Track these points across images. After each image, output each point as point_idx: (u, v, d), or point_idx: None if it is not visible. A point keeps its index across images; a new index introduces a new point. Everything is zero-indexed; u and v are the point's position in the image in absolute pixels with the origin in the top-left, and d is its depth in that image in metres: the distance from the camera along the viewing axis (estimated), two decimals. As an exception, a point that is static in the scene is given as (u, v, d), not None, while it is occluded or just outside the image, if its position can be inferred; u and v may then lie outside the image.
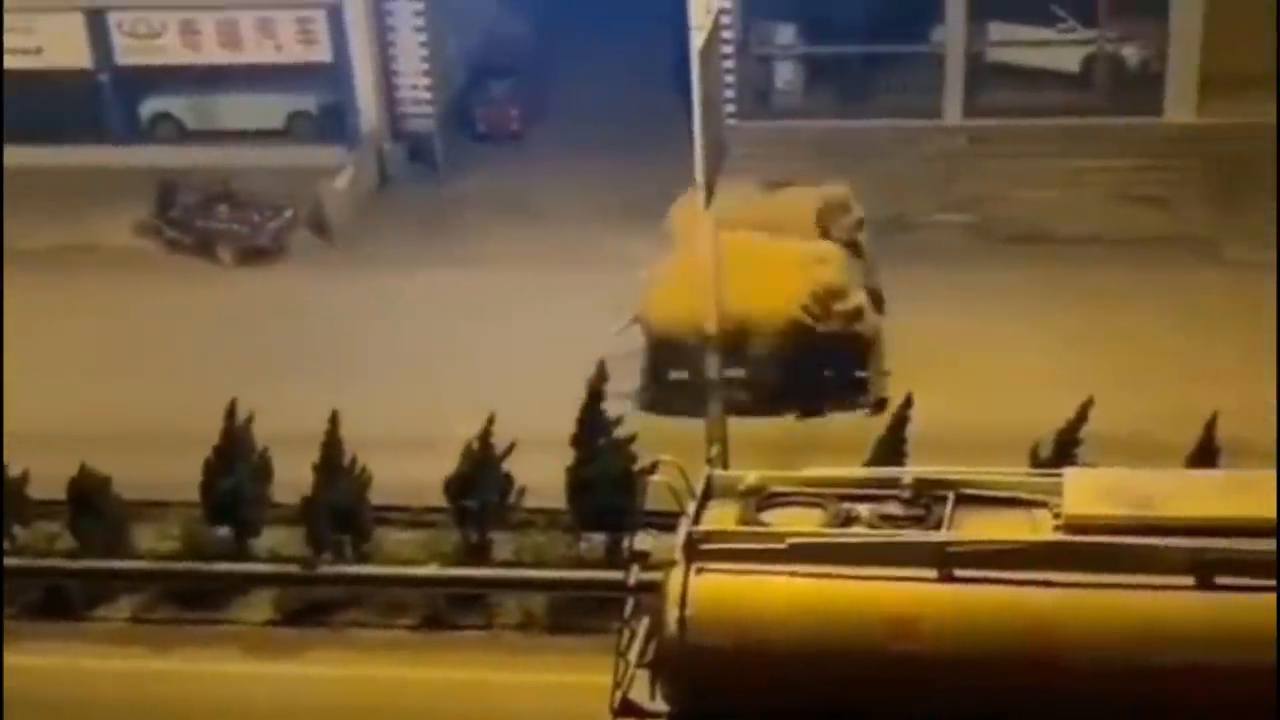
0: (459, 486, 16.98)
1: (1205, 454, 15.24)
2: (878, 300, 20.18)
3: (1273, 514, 10.50)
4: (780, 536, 10.76)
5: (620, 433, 16.75)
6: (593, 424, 16.76)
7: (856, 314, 19.30)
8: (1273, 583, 10.24)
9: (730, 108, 26.84)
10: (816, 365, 19.20)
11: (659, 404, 19.05)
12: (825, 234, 20.47)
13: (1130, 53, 27.39)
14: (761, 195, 21.20)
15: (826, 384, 19.29)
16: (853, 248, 20.38)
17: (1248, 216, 23.07)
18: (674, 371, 19.31)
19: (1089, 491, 11.01)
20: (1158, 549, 10.39)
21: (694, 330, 17.72)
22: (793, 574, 10.69)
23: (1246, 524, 10.48)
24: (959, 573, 10.62)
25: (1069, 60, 27.48)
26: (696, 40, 15.09)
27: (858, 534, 10.93)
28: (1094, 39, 27.17)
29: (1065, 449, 15.43)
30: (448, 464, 16.86)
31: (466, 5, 29.38)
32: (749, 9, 27.60)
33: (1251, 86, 25.50)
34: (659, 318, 19.39)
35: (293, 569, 17.17)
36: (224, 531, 17.40)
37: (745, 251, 18.68)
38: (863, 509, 11.21)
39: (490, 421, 16.73)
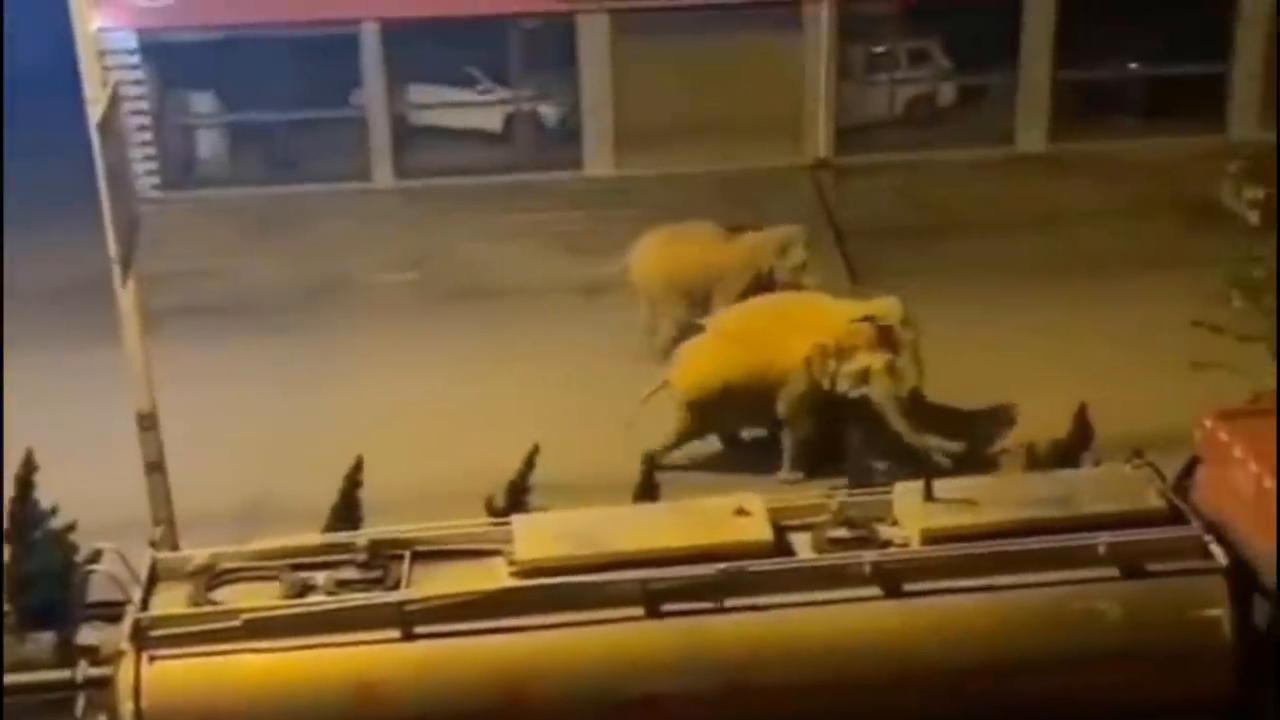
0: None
1: (647, 488, 15.86)
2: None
3: (710, 540, 11.09)
4: (234, 614, 10.49)
5: (57, 523, 15.83)
6: (26, 516, 15.77)
7: (863, 377, 17.78)
8: (714, 604, 10.82)
9: (155, 179, 26.16)
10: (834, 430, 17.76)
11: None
12: (769, 277, 20.16)
13: (547, 111, 28.41)
14: (716, 240, 20.83)
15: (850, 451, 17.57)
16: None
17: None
18: (708, 434, 18.31)
19: (539, 536, 11.29)
20: (608, 584, 10.76)
21: (723, 391, 17.47)
22: (251, 651, 10.45)
23: (687, 552, 11.00)
24: (420, 630, 10.65)
25: (491, 120, 28.23)
26: (94, 113, 14.65)
27: (313, 603, 10.77)
28: (511, 99, 28.07)
29: (518, 496, 15.72)
30: None
31: None
32: (165, 77, 26.93)
33: (664, 139, 26.96)
34: (685, 378, 18.20)
35: None
36: None
37: (792, 308, 18.35)
38: (319, 576, 11.08)
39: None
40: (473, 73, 28.04)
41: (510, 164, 27.72)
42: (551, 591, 10.78)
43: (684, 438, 18.03)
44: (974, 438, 17.65)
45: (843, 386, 17.63)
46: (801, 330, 17.78)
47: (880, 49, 28.37)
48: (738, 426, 18.37)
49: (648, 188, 26.49)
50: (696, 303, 20.16)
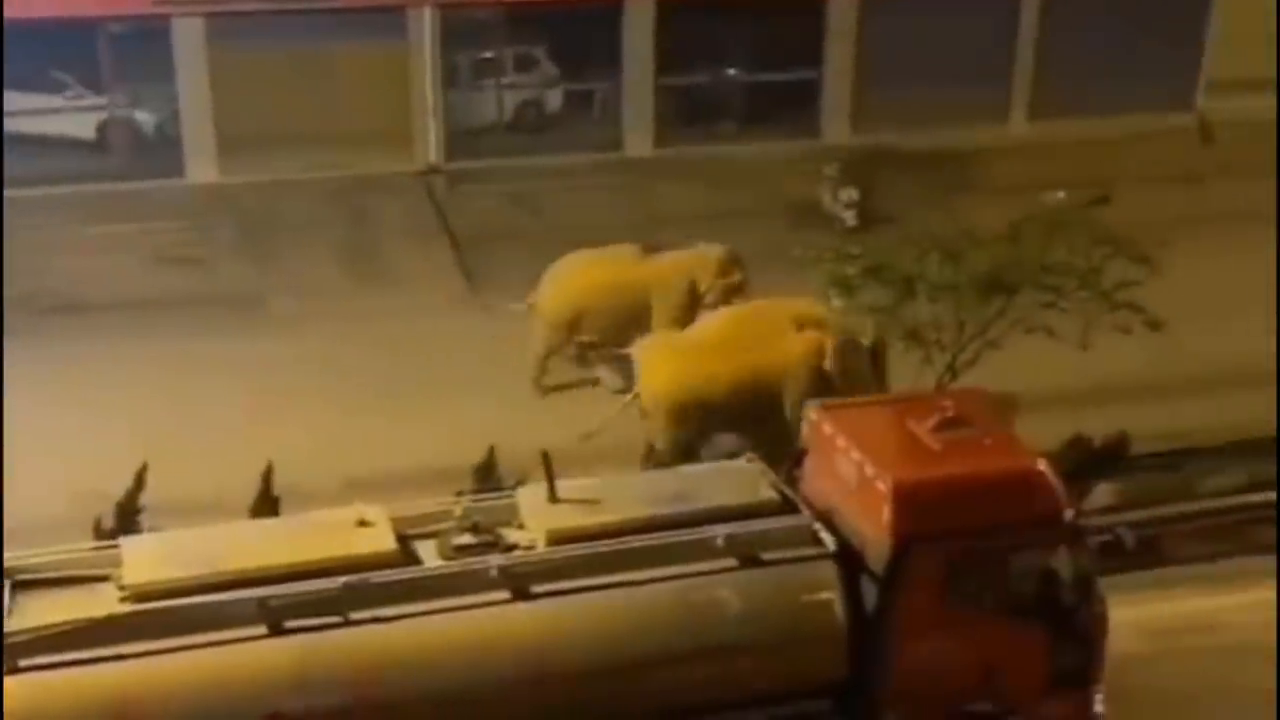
0: None
1: (266, 503, 15.46)
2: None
3: (331, 553, 10.87)
4: None
5: None
6: None
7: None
8: (338, 618, 10.60)
9: None
10: None
11: None
12: (698, 295, 19.28)
13: (144, 117, 27.42)
14: (637, 261, 19.73)
15: None
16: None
17: (286, 270, 23.78)
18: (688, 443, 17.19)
19: (150, 558, 10.86)
20: (224, 604, 10.41)
21: (707, 396, 16.80)
22: None
23: (307, 567, 10.75)
24: (24, 663, 10.08)
25: (83, 127, 27.06)
26: None
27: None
28: (104, 105, 26.98)
29: (128, 518, 15.09)
30: None
31: None
32: None
33: (270, 145, 26.39)
34: (667, 387, 17.30)
35: None
36: None
37: (766, 313, 17.72)
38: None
39: None
40: (61, 78, 26.81)
41: (106, 172, 26.61)
42: (164, 615, 10.37)
43: (678, 446, 17.29)
44: None
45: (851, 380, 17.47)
46: (785, 333, 17.52)
47: (486, 55, 28.48)
48: (710, 435, 17.93)
49: (254, 195, 25.89)
50: (615, 327, 19.43)
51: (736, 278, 19.53)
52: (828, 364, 17.24)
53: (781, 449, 15.35)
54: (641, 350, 18.07)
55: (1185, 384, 18.83)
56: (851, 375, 17.22)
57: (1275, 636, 14.19)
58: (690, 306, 19.30)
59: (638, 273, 19.79)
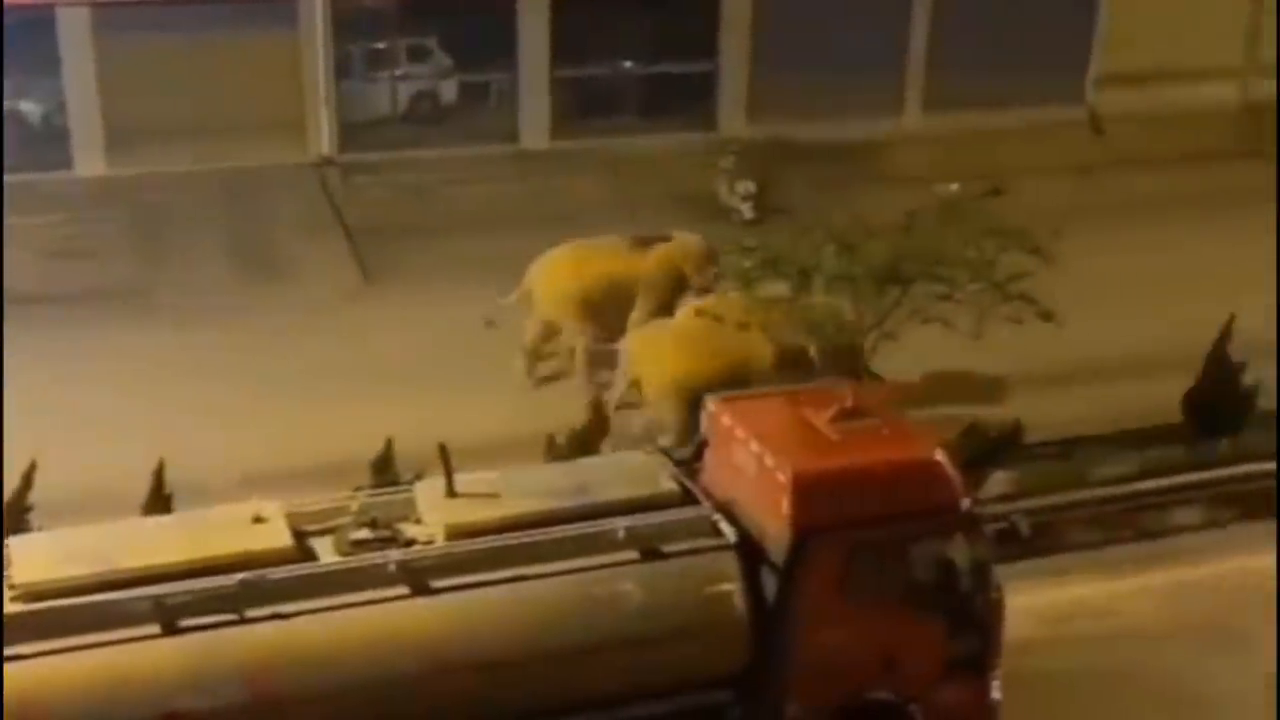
0: None
1: (158, 500, 15.19)
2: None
3: (226, 551, 10.70)
4: None
5: None
6: None
7: None
8: (236, 616, 10.45)
9: None
10: None
11: None
12: (685, 284, 19.25)
13: (30, 108, 26.93)
14: (628, 253, 19.64)
15: None
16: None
17: (177, 264, 23.43)
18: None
19: (40, 557, 10.66)
20: (118, 603, 10.24)
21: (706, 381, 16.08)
22: None
23: (205, 564, 10.60)
24: (-90, 667, 9.84)
25: (-32, 119, 26.54)
26: None
27: None
28: (-12, 96, 26.46)
29: (16, 517, 14.77)
30: None
31: None
32: None
33: (159, 137, 25.99)
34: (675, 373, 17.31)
35: None
36: None
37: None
38: None
39: None
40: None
41: (-1, 165, 26.10)
42: (57, 614, 10.17)
43: (689, 428, 16.66)
44: None
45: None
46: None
47: (379, 45, 28.24)
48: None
49: (143, 188, 25.49)
50: (605, 320, 19.36)
51: (713, 268, 19.57)
52: (814, 357, 17.39)
53: None
54: (639, 340, 18.18)
55: (1077, 373, 19.10)
56: (838, 366, 17.27)
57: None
58: (675, 296, 19.40)
59: (630, 266, 19.82)
